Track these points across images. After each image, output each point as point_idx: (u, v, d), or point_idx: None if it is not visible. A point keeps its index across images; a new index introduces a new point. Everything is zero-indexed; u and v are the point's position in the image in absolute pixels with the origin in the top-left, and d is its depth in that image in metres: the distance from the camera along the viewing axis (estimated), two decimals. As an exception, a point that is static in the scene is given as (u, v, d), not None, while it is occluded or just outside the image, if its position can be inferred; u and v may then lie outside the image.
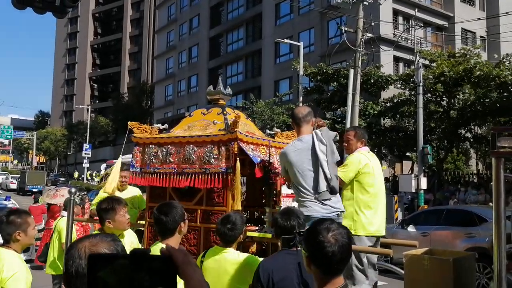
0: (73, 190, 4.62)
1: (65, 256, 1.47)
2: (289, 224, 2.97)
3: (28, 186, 38.25)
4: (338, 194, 3.85)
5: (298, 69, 24.21)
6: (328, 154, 3.72)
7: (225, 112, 4.44)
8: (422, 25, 29.42)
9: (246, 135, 4.10)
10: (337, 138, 3.91)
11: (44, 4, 7.79)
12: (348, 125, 18.31)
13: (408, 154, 24.80)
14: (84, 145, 44.04)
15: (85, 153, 41.91)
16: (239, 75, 41.34)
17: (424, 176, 18.92)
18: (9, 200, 13.81)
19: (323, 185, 3.65)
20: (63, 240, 6.09)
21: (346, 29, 18.64)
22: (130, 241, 4.06)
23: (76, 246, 1.46)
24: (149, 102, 58.43)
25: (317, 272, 2.08)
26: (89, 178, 46.43)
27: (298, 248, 2.83)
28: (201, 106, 4.59)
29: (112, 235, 1.55)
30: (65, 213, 6.73)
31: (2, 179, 46.92)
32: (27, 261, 11.16)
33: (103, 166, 22.64)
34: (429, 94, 21.68)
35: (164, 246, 1.03)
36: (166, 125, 4.73)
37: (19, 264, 3.08)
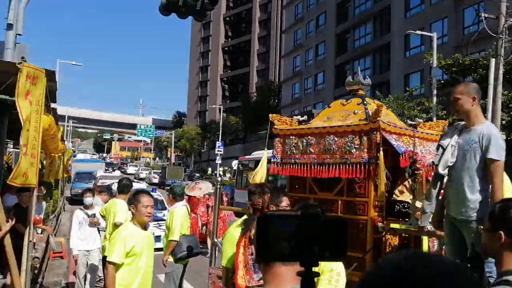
0: (218, 179, 4.93)
1: None
2: None
3: (168, 181, 41.40)
4: None
5: (431, 62, 22.95)
6: None
7: (365, 102, 4.40)
8: None
9: (389, 125, 4.01)
10: None
11: (186, 8, 8.41)
12: (489, 119, 16.92)
13: None
14: (217, 142, 46.42)
15: (218, 150, 44.24)
16: (366, 70, 40.29)
17: None
18: (155, 192, 15.07)
19: None
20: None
21: (486, 15, 17.25)
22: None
23: None
24: (276, 100, 59.64)
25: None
26: (222, 174, 48.81)
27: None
28: (327, 103, 4.56)
29: None
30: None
31: (146, 174, 51.52)
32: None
33: (234, 162, 23.69)
34: None
35: None
36: (305, 117, 4.82)
37: None
